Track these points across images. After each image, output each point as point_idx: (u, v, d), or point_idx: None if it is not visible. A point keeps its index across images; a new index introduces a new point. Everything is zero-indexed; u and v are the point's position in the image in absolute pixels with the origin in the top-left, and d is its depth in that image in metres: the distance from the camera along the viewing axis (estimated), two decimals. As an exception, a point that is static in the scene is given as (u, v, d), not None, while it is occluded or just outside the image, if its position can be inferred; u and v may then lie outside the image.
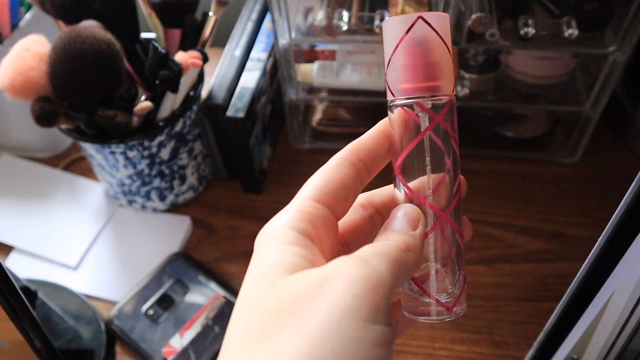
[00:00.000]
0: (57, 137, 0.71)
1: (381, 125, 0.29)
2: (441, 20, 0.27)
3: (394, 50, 0.28)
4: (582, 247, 0.60)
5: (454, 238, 0.30)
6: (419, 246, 0.27)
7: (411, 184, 0.29)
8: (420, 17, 0.27)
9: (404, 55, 0.27)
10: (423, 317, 0.30)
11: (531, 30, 0.53)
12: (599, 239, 0.35)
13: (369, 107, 0.68)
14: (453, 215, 0.29)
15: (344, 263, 0.24)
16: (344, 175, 0.28)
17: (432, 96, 0.27)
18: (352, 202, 0.29)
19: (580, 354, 0.41)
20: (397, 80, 0.28)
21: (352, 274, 0.24)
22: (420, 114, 0.28)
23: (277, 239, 0.25)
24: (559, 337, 0.41)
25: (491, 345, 0.55)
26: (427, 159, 0.28)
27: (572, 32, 0.52)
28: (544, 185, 0.67)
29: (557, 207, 0.64)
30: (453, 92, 0.28)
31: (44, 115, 0.50)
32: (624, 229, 0.33)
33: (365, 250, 0.25)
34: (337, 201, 0.27)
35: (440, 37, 0.27)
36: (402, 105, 0.28)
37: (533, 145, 0.69)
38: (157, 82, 0.52)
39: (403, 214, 0.28)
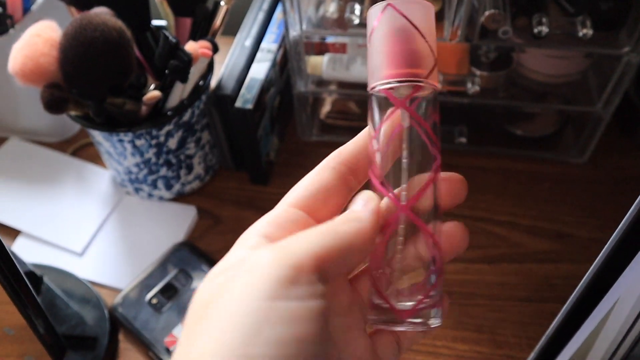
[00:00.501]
0: (66, 123, 0.71)
1: (368, 128, 0.29)
2: (416, 8, 0.27)
3: (369, 38, 0.28)
4: (588, 249, 0.60)
5: (428, 243, 0.28)
6: (361, 218, 0.26)
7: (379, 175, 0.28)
8: (389, 4, 0.26)
9: (374, 42, 0.27)
10: (372, 318, 0.29)
11: (545, 29, 0.52)
12: (607, 244, 0.35)
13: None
14: (425, 217, 0.28)
15: (258, 247, 0.25)
16: (323, 179, 0.28)
17: (400, 82, 0.27)
18: (337, 206, 0.29)
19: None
20: (369, 68, 0.28)
21: (260, 256, 0.24)
22: (375, 99, 0.28)
23: (245, 241, 0.27)
24: (561, 341, 0.41)
25: (493, 345, 0.55)
26: (382, 148, 0.28)
27: (586, 31, 0.52)
28: (552, 184, 0.66)
29: (565, 207, 0.64)
30: (429, 81, 0.27)
31: (53, 102, 0.50)
32: (632, 236, 0.32)
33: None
34: (316, 205, 0.28)
35: (412, 24, 0.26)
36: (371, 94, 0.28)
37: (542, 144, 0.68)
38: (166, 71, 0.52)
39: (357, 197, 0.28)
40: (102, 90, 0.51)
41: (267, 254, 0.24)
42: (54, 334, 0.50)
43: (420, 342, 0.34)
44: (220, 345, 0.21)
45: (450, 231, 0.29)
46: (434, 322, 0.28)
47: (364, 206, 0.27)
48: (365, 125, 0.29)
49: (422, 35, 0.27)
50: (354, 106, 0.71)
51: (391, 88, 0.27)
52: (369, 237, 0.26)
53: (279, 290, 0.22)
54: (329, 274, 0.25)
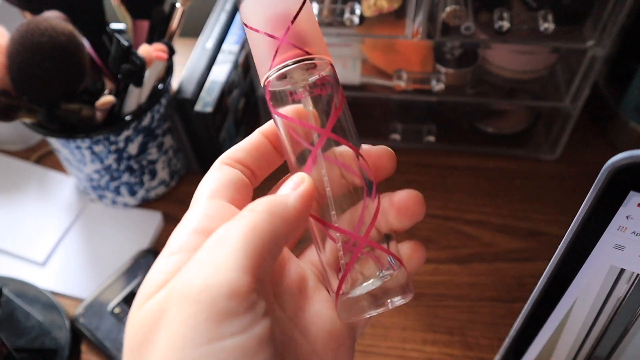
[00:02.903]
0: (29, 130, 0.70)
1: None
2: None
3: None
4: (559, 247, 0.59)
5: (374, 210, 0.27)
6: (287, 204, 0.24)
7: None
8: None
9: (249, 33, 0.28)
10: (341, 315, 0.28)
11: (506, 24, 0.51)
12: (559, 246, 0.34)
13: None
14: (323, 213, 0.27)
15: (175, 287, 0.22)
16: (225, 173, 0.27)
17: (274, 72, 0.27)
18: (245, 197, 0.27)
19: (541, 363, 0.40)
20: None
21: (187, 289, 0.21)
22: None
23: (174, 245, 0.24)
24: (524, 343, 0.40)
25: (463, 347, 0.54)
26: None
27: (548, 25, 0.51)
28: (523, 182, 0.65)
29: (536, 204, 0.63)
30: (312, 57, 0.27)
31: (2, 109, 0.48)
32: (583, 238, 0.31)
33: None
34: (231, 195, 0.26)
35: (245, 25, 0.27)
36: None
37: (514, 141, 0.67)
38: (119, 76, 0.51)
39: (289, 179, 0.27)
40: (52, 96, 0.50)
41: (194, 279, 0.21)
42: (7, 349, 0.48)
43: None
44: None
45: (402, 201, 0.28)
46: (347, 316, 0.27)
47: (293, 189, 0.25)
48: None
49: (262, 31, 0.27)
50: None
51: (284, 76, 0.27)
52: (295, 223, 0.24)
53: (217, 331, 0.20)
54: (265, 279, 0.23)
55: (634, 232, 0.30)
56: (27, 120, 0.54)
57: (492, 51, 0.59)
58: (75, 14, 0.53)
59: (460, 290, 0.57)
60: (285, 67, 0.26)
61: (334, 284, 0.27)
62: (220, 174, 0.27)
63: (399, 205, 0.28)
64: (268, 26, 0.27)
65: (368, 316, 0.27)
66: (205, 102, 0.57)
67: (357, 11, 0.53)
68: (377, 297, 0.27)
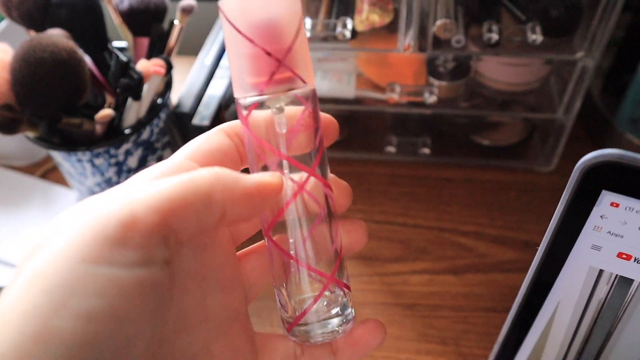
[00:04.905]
0: (34, 145, 0.71)
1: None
2: (241, 4, 0.24)
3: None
4: (554, 257, 0.59)
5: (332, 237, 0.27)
6: (239, 176, 0.23)
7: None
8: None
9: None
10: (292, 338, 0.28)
11: (495, 36, 0.52)
12: (538, 250, 0.34)
13: (338, 114, 0.68)
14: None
15: (80, 206, 0.21)
16: (219, 140, 0.26)
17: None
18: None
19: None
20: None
21: (89, 205, 0.20)
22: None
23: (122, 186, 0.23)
24: (511, 348, 0.40)
25: (457, 357, 0.54)
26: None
27: (536, 37, 0.52)
28: (519, 194, 0.65)
29: (532, 216, 0.63)
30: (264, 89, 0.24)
31: (4, 123, 0.50)
32: (561, 241, 0.32)
33: None
34: (213, 163, 0.25)
35: (233, 26, 0.24)
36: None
37: (510, 154, 0.68)
38: (117, 90, 0.52)
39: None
40: (54, 110, 0.51)
41: (99, 202, 0.20)
42: None
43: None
44: (21, 313, 0.18)
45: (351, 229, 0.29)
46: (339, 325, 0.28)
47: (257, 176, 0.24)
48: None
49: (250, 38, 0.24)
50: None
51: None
52: (238, 200, 0.22)
53: (100, 252, 0.18)
54: (183, 234, 0.21)
55: (609, 232, 0.30)
56: (30, 133, 0.55)
57: (484, 64, 0.60)
58: (78, 32, 0.54)
59: (455, 300, 0.57)
60: (278, 92, 0.24)
61: (287, 311, 0.28)
62: (214, 139, 0.26)
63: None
64: (255, 33, 0.24)
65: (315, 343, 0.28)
66: (203, 116, 0.58)
67: (349, 25, 0.54)
68: (329, 328, 0.28)
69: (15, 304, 0.18)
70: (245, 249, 0.29)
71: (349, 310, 0.28)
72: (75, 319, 0.17)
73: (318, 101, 0.26)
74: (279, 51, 0.24)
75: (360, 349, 0.28)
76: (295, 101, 0.25)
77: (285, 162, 0.26)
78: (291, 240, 0.26)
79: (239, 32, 0.24)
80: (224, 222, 0.22)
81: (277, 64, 0.24)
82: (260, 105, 0.25)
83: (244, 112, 0.25)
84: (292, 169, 0.26)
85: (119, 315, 0.18)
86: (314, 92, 0.26)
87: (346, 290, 0.28)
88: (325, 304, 0.27)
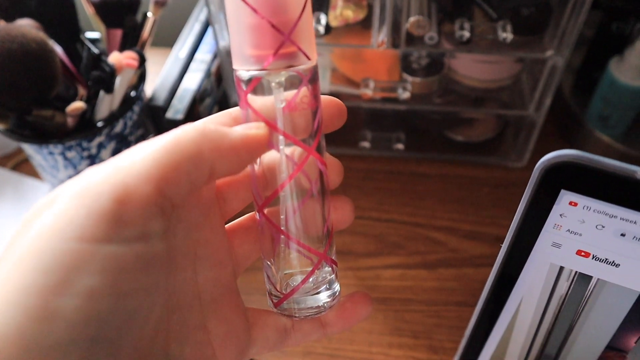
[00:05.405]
0: (6, 137, 0.71)
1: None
2: None
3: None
4: (524, 252, 0.60)
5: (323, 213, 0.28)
6: (225, 131, 0.22)
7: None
8: None
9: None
10: (276, 311, 0.29)
11: (466, 34, 0.53)
12: (502, 246, 0.35)
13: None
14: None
15: (70, 182, 0.20)
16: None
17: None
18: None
19: (491, 361, 0.41)
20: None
21: (82, 180, 0.19)
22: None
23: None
24: (478, 342, 0.41)
25: (429, 351, 0.54)
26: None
27: (506, 36, 0.52)
28: (491, 189, 0.66)
29: (504, 211, 0.64)
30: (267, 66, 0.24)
31: (-27, 115, 0.49)
32: (523, 238, 0.33)
33: None
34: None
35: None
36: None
37: (483, 149, 0.69)
38: (89, 82, 0.52)
39: None
40: (24, 102, 0.51)
41: (92, 177, 0.19)
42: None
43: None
44: (20, 291, 0.17)
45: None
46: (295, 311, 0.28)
47: (243, 128, 0.23)
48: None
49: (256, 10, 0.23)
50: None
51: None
52: (227, 156, 0.22)
53: (97, 230, 0.18)
54: (177, 198, 0.20)
55: (569, 230, 0.31)
56: (1, 126, 0.55)
57: (457, 61, 0.60)
58: (49, 22, 0.54)
59: (428, 295, 0.58)
60: (280, 68, 0.24)
61: (275, 286, 0.28)
62: (227, 112, 0.26)
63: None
64: (260, 3, 0.22)
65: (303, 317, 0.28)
66: (177, 110, 0.58)
67: (323, 21, 0.54)
68: (317, 303, 0.28)
69: (12, 280, 0.18)
70: (232, 222, 0.29)
71: (336, 285, 0.29)
72: (78, 298, 0.17)
73: (318, 78, 0.26)
74: (285, 24, 0.23)
75: (349, 321, 0.29)
76: (296, 77, 0.24)
77: (281, 138, 0.25)
78: (282, 217, 0.26)
79: (244, 1, 0.22)
80: (212, 178, 0.22)
81: (282, 38, 0.23)
82: (260, 82, 0.24)
83: (244, 87, 0.24)
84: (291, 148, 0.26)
85: (120, 291, 0.18)
86: (315, 68, 0.25)
87: (334, 266, 0.29)
88: (313, 279, 0.28)
